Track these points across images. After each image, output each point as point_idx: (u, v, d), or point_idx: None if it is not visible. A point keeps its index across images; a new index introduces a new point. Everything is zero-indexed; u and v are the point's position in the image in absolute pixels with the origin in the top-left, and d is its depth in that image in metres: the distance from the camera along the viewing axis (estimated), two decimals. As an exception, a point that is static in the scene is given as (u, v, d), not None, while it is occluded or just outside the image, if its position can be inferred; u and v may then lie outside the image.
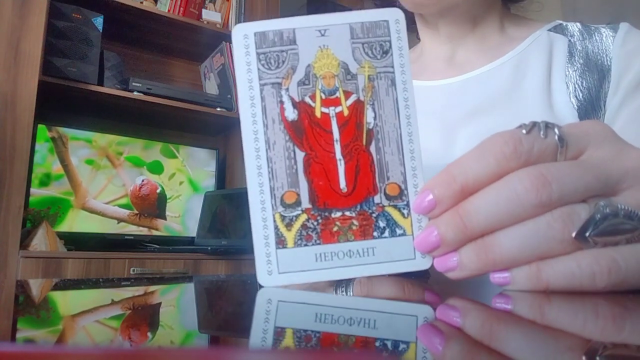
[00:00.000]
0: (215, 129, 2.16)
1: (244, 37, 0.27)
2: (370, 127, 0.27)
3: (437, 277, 0.27)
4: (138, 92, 1.77)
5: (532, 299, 0.23)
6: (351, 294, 0.26)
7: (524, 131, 0.24)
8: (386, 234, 0.26)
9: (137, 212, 1.86)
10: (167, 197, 1.94)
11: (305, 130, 0.27)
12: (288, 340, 0.16)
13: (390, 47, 0.28)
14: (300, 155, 0.26)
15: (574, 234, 0.23)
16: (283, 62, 0.27)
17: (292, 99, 0.27)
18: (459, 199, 0.24)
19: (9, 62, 1.49)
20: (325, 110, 0.27)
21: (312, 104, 0.27)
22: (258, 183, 0.26)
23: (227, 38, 1.99)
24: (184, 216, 1.97)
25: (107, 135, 1.86)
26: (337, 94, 0.27)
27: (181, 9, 1.96)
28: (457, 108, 0.55)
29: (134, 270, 1.58)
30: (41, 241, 1.50)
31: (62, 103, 1.78)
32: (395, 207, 0.27)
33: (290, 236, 0.26)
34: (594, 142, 0.25)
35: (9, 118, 1.47)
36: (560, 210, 0.23)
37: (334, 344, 0.15)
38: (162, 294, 0.32)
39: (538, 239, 0.23)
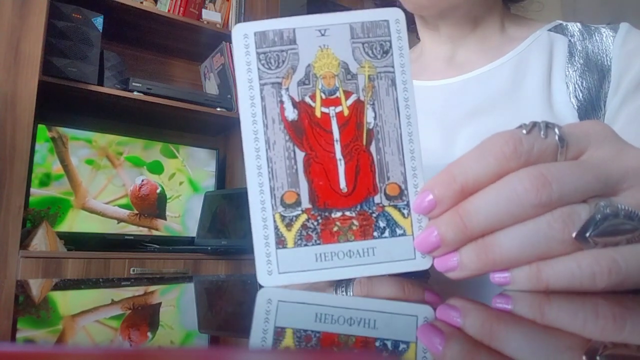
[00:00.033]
0: (215, 129, 2.16)
1: (244, 36, 0.27)
2: (371, 127, 0.27)
3: (437, 277, 0.27)
4: (138, 92, 1.77)
5: (532, 299, 0.23)
6: (351, 294, 0.26)
7: (524, 131, 0.24)
8: (386, 234, 0.26)
9: (137, 212, 1.86)
10: (167, 197, 1.94)
11: (306, 130, 0.27)
12: (288, 340, 0.16)
13: (391, 47, 0.28)
14: (300, 155, 0.26)
15: (574, 234, 0.23)
16: (283, 61, 0.27)
17: (292, 99, 0.27)
18: (459, 199, 0.24)
19: (9, 62, 1.49)
20: (325, 110, 0.27)
21: (312, 104, 0.27)
22: (258, 183, 0.26)
23: (227, 38, 1.99)
24: (184, 216, 1.97)
25: (107, 135, 1.86)
26: (337, 94, 0.27)
27: (181, 9, 1.96)
28: (457, 108, 0.55)
29: (134, 270, 1.58)
30: (41, 241, 1.50)
31: (62, 103, 1.78)
32: (395, 207, 0.27)
33: (290, 236, 0.26)
34: (594, 142, 0.25)
35: (9, 118, 1.47)
36: (560, 211, 0.23)
37: (334, 344, 0.15)
38: (162, 294, 0.32)
39: (538, 239, 0.23)
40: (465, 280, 0.25)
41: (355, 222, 0.26)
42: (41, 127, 1.70)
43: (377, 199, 0.27)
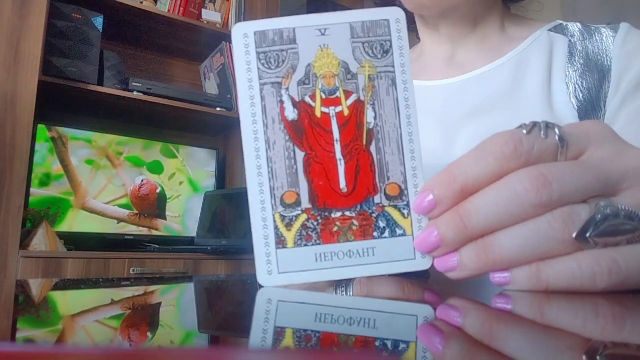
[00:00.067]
0: (215, 129, 2.16)
1: (244, 36, 0.27)
2: (371, 127, 0.27)
3: (437, 277, 0.27)
4: (138, 92, 1.77)
5: (532, 299, 0.23)
6: (351, 294, 0.26)
7: (524, 131, 0.24)
8: (386, 234, 0.26)
9: (137, 212, 1.86)
10: (167, 197, 1.94)
11: (306, 130, 0.27)
12: (288, 340, 0.16)
13: (391, 46, 0.27)
14: (300, 155, 0.26)
15: (574, 235, 0.23)
16: (283, 61, 0.27)
17: (292, 99, 0.27)
18: (459, 199, 0.24)
19: (9, 62, 1.49)
20: (325, 110, 0.27)
21: (313, 104, 0.27)
22: (258, 183, 0.26)
23: (227, 38, 1.99)
24: (184, 216, 1.97)
25: (107, 135, 1.86)
26: (338, 94, 0.27)
27: (181, 9, 1.96)
28: (457, 108, 0.55)
29: (134, 270, 1.58)
30: (41, 241, 1.50)
31: (62, 103, 1.78)
32: (395, 207, 0.27)
33: (290, 236, 0.26)
34: (595, 142, 0.25)
35: (9, 118, 1.47)
36: (560, 211, 0.23)
37: (334, 344, 0.15)
38: (162, 294, 0.32)
39: (538, 239, 0.23)
40: (465, 280, 0.25)
41: (355, 222, 0.26)
42: (41, 127, 1.70)
43: (377, 199, 0.26)
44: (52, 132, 1.74)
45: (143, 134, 1.97)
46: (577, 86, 0.51)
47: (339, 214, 0.26)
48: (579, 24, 0.56)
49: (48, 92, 1.63)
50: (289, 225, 0.26)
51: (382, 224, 0.26)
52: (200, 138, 2.20)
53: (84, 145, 1.80)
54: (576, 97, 0.51)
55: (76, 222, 1.74)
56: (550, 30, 0.56)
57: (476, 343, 0.15)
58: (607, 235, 0.23)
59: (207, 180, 2.06)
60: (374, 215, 0.26)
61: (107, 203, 1.81)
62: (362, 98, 0.27)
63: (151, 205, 1.90)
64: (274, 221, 0.26)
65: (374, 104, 0.27)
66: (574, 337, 0.16)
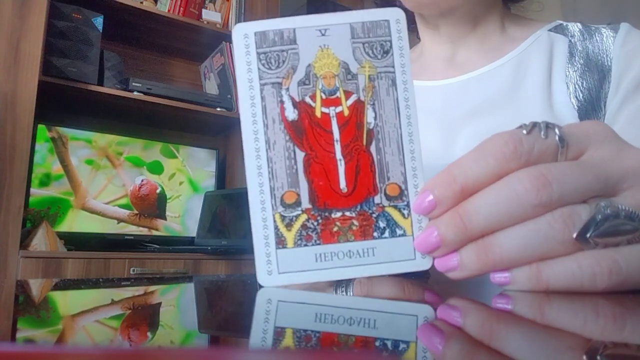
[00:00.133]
0: (215, 129, 2.16)
1: (244, 36, 0.27)
2: (371, 127, 0.27)
3: (437, 277, 0.27)
4: (138, 92, 1.77)
5: (532, 299, 0.23)
6: (351, 294, 0.26)
7: (524, 131, 0.24)
8: (386, 234, 0.26)
9: (137, 212, 1.86)
10: (167, 197, 1.94)
11: (306, 130, 0.27)
12: (288, 340, 0.16)
13: (391, 46, 0.28)
14: (300, 155, 0.26)
15: (574, 235, 0.23)
16: (283, 61, 0.27)
17: (292, 99, 0.27)
18: (459, 200, 0.24)
19: (9, 62, 1.49)
20: (325, 110, 0.27)
21: (313, 104, 0.27)
22: (258, 183, 0.26)
23: (227, 38, 1.99)
24: (184, 216, 1.97)
25: (107, 135, 1.86)
26: (338, 94, 0.27)
27: (181, 9, 1.96)
28: (457, 108, 0.55)
29: (134, 270, 1.58)
30: (41, 241, 1.50)
31: (62, 103, 1.78)
32: (395, 207, 0.27)
33: (290, 236, 0.26)
34: (595, 142, 0.25)
35: (9, 118, 1.47)
36: (560, 211, 0.23)
37: (334, 344, 0.15)
38: (162, 294, 0.32)
39: (538, 239, 0.23)
40: (465, 280, 0.25)
41: (355, 222, 0.26)
42: (41, 127, 1.70)
43: (377, 199, 0.26)
44: (52, 132, 1.74)
45: (143, 134, 1.97)
46: (577, 86, 0.51)
47: (339, 214, 0.26)
48: (579, 24, 0.56)
49: (48, 92, 1.63)
50: (289, 225, 0.26)
51: (382, 224, 0.26)
52: (200, 138, 2.20)
53: (84, 145, 1.80)
54: (576, 97, 0.51)
55: (76, 222, 1.74)
56: (550, 30, 0.56)
57: (476, 343, 0.15)
58: (607, 235, 0.23)
59: (207, 180, 2.06)
60: (374, 215, 0.26)
61: (107, 203, 1.81)
62: (362, 98, 0.27)
63: (151, 205, 1.90)
64: (274, 221, 0.26)
65: (374, 104, 0.27)
66: (574, 337, 0.16)
